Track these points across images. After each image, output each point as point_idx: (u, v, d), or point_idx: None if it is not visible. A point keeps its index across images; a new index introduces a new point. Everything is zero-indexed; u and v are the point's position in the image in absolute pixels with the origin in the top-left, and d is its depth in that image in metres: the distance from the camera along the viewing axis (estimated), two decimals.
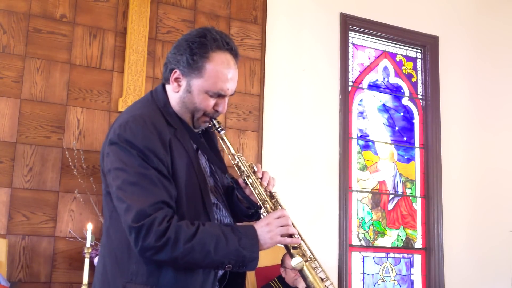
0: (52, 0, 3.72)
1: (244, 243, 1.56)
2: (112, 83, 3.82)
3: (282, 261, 3.69)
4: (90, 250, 3.25)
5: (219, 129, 1.74)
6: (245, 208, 1.80)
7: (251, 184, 1.73)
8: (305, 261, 1.64)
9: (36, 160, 3.54)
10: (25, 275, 3.41)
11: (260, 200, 1.71)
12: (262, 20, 4.37)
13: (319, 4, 4.67)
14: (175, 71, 1.69)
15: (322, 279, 1.66)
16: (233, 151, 1.76)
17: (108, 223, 1.66)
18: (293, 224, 1.66)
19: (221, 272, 1.71)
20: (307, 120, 4.49)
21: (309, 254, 1.68)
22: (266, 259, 3.89)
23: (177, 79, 1.69)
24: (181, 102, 1.69)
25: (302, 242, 1.68)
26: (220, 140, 1.78)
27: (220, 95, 1.69)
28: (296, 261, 1.64)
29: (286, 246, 1.66)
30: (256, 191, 1.72)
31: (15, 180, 3.47)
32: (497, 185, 5.13)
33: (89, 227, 3.31)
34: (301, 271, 1.65)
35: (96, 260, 3.25)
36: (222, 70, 1.67)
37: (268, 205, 1.70)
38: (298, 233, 1.67)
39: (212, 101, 1.68)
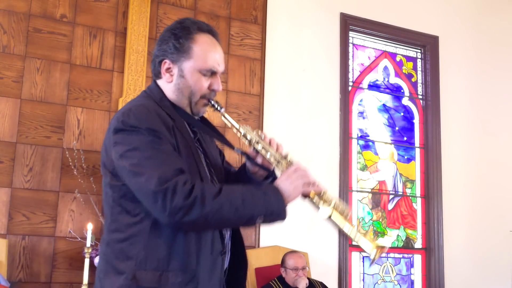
0: (52, 0, 3.72)
1: (269, 196, 1.58)
2: (112, 83, 3.82)
3: (282, 261, 3.69)
4: (90, 250, 3.25)
5: (218, 108, 1.76)
6: (260, 182, 1.81)
7: (262, 148, 1.75)
8: (333, 208, 1.64)
9: (36, 160, 3.53)
10: (25, 275, 3.41)
11: (274, 161, 1.73)
12: (262, 20, 4.37)
13: (319, 4, 4.67)
14: (165, 61, 1.72)
15: (351, 222, 1.66)
16: (237, 125, 1.78)
17: (110, 219, 1.65)
18: None
19: (226, 264, 1.72)
20: (307, 120, 4.49)
21: (334, 201, 1.67)
22: (266, 259, 3.90)
23: (168, 69, 1.72)
24: (177, 90, 1.71)
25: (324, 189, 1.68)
26: (222, 118, 1.78)
27: (212, 73, 1.72)
28: (323, 210, 1.64)
29: (310, 198, 1.66)
30: (268, 154, 1.74)
31: (15, 180, 3.47)
32: (497, 185, 5.13)
33: (89, 227, 3.30)
34: (330, 219, 1.64)
35: (96, 260, 3.25)
36: (209, 48, 1.71)
37: (283, 163, 1.72)
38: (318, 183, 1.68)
39: (206, 81, 1.71)
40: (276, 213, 1.58)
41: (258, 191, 1.58)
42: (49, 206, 3.53)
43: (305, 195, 1.66)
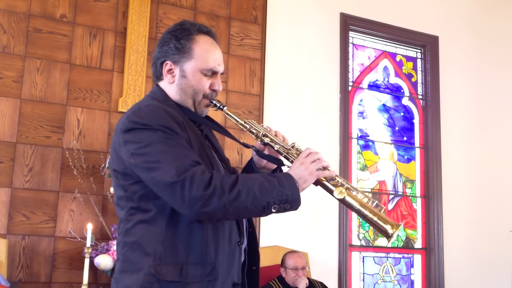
0: (52, 0, 3.72)
1: (283, 183, 1.58)
2: (112, 83, 3.82)
3: (282, 261, 3.70)
4: (90, 250, 3.25)
5: (221, 106, 1.78)
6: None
7: (270, 141, 1.77)
8: (346, 189, 1.67)
9: (36, 160, 3.53)
10: (25, 275, 3.41)
11: (284, 152, 1.75)
12: (262, 20, 4.37)
13: (319, 4, 4.67)
14: (166, 63, 1.73)
15: (366, 202, 1.69)
16: (241, 121, 1.81)
17: (124, 221, 1.64)
18: None
19: (244, 255, 1.73)
20: (307, 120, 4.49)
21: (346, 184, 1.70)
22: (266, 259, 3.89)
23: (169, 70, 1.73)
24: (180, 90, 1.73)
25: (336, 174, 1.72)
26: (226, 116, 1.81)
27: (213, 72, 1.74)
28: (338, 191, 1.66)
29: (323, 183, 1.68)
30: (276, 146, 1.76)
31: (15, 180, 3.47)
32: (497, 184, 5.13)
33: (89, 227, 3.30)
34: (344, 201, 1.67)
35: (96, 260, 3.25)
36: (210, 48, 1.74)
37: (293, 152, 1.74)
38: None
39: (207, 81, 1.73)
40: (290, 200, 1.57)
41: (273, 178, 1.59)
42: (49, 206, 3.53)
43: (318, 182, 1.68)
